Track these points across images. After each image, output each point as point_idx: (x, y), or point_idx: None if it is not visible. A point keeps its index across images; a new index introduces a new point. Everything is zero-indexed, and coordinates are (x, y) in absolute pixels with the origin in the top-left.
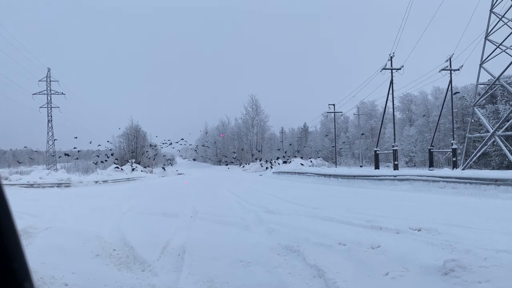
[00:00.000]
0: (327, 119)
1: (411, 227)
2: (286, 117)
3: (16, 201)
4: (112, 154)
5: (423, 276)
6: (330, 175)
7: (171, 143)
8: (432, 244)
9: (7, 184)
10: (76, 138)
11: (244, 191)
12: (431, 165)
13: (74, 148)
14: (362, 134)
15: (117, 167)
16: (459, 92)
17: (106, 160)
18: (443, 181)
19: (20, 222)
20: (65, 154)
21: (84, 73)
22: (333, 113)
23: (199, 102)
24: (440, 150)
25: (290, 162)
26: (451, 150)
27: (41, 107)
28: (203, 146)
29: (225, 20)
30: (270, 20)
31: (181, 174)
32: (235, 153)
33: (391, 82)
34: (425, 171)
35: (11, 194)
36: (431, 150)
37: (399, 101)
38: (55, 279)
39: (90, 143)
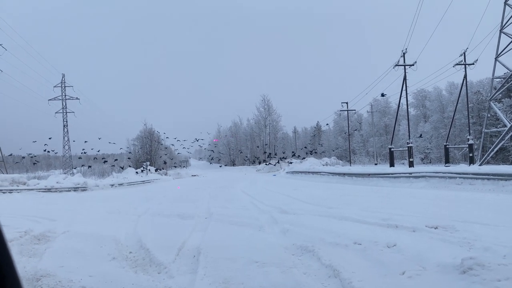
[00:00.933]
0: (340, 118)
1: (427, 225)
2: (298, 116)
3: (34, 205)
4: (129, 158)
5: (441, 275)
6: (344, 174)
7: (184, 144)
8: (449, 242)
9: (25, 189)
10: (100, 139)
11: (257, 192)
12: (447, 161)
13: (84, 152)
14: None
15: (142, 169)
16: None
17: (122, 167)
18: (459, 178)
19: (38, 226)
20: (94, 158)
21: (97, 77)
22: (346, 111)
23: (211, 104)
24: (456, 146)
25: (304, 161)
26: (467, 145)
27: (56, 113)
28: (215, 147)
29: (235, 20)
30: (281, 19)
31: (195, 176)
32: (247, 157)
33: (404, 79)
34: (441, 168)
35: (29, 199)
36: (447, 146)
37: (413, 97)
38: (73, 282)
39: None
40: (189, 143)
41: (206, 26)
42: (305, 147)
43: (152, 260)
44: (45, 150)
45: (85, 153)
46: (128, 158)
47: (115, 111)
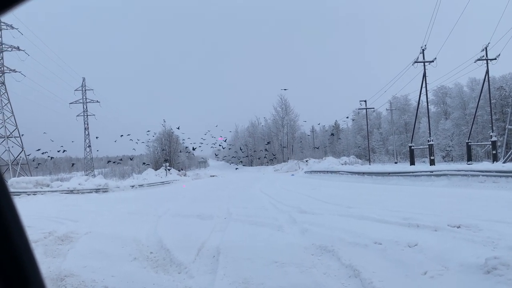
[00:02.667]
0: (359, 116)
1: (450, 224)
2: (316, 116)
3: (57, 207)
4: (144, 163)
5: (464, 275)
6: (363, 173)
7: (201, 143)
8: (472, 241)
9: (49, 191)
10: (129, 136)
11: (276, 192)
12: (469, 159)
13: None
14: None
15: (169, 169)
16: None
17: (145, 163)
18: (482, 176)
19: (62, 227)
20: (108, 161)
21: (115, 81)
22: (364, 110)
23: (228, 104)
24: (478, 143)
25: (322, 161)
26: (490, 143)
27: (77, 116)
28: (232, 146)
29: (253, 20)
30: (297, 18)
31: (214, 176)
32: (265, 157)
33: (424, 75)
34: (463, 166)
35: (53, 201)
36: (469, 143)
37: (433, 94)
38: (95, 282)
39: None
40: (207, 143)
41: (223, 26)
42: (323, 145)
43: (172, 260)
44: (58, 151)
45: (97, 151)
46: (143, 163)
47: (133, 113)
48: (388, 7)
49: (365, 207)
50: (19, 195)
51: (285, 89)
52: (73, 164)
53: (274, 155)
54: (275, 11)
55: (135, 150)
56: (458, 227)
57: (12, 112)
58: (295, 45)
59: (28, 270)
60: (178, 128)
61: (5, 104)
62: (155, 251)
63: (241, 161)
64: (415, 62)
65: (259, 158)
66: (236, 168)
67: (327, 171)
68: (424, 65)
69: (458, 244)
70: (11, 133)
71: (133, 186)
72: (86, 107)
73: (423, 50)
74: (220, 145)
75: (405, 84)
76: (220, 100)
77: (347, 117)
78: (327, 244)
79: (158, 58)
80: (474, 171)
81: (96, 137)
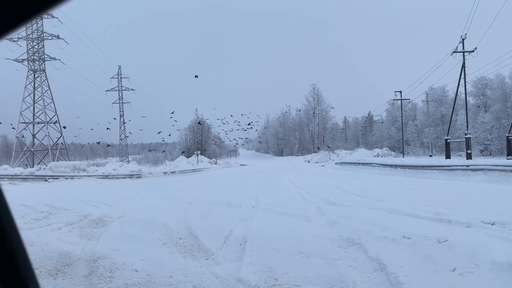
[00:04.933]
0: (394, 107)
1: (483, 220)
2: (349, 106)
3: (93, 191)
4: (183, 152)
5: (494, 273)
6: (396, 166)
7: (232, 133)
8: (507, 239)
9: (85, 176)
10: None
11: (305, 182)
12: (509, 153)
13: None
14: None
15: (204, 157)
16: None
17: (183, 152)
18: None
19: (96, 211)
20: (149, 150)
21: (150, 70)
22: (399, 101)
23: (260, 94)
24: None
25: (354, 152)
26: None
27: (113, 103)
28: (262, 135)
29: (288, 12)
30: (333, 10)
31: (243, 165)
32: (296, 147)
33: (463, 66)
34: (502, 161)
35: (89, 185)
36: (510, 137)
37: (472, 85)
38: (126, 265)
39: (159, 133)
40: (239, 130)
41: (256, 19)
42: (356, 136)
43: (200, 247)
44: (98, 143)
45: (130, 133)
46: (182, 152)
47: (167, 102)
48: None
49: (396, 200)
50: (58, 178)
51: (196, 76)
52: (108, 145)
53: (305, 148)
54: (311, 5)
55: (167, 138)
56: (493, 224)
57: (52, 99)
58: (331, 38)
59: (22, 270)
60: (218, 120)
61: (46, 91)
62: (184, 237)
63: (271, 151)
64: (454, 52)
65: (289, 148)
66: (265, 156)
67: (359, 163)
68: (464, 55)
69: (491, 242)
70: (50, 119)
71: (165, 173)
72: (122, 94)
73: (463, 39)
74: (246, 138)
75: (442, 75)
76: (253, 91)
77: (379, 115)
78: (354, 236)
79: (197, 52)
80: None
81: (143, 116)
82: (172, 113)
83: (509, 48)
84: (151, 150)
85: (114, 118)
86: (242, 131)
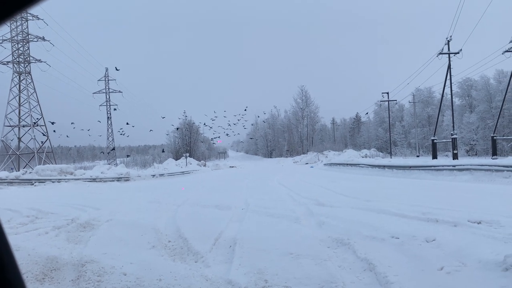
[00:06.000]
0: (381, 108)
1: (470, 219)
2: (337, 108)
3: (80, 194)
4: (163, 151)
5: (481, 272)
6: (384, 166)
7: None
8: (493, 237)
9: (72, 179)
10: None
11: (294, 184)
12: (494, 153)
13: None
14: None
15: (193, 159)
16: None
17: (164, 151)
18: (507, 171)
19: (84, 214)
20: (127, 156)
21: (137, 71)
22: (387, 102)
23: (249, 95)
24: (504, 137)
25: (342, 153)
26: None
27: (100, 105)
28: (252, 138)
29: (272, 13)
30: (318, 11)
31: (233, 167)
32: (285, 149)
33: (449, 67)
34: (487, 160)
35: (76, 189)
36: (494, 137)
37: (458, 86)
38: (114, 269)
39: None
40: (230, 130)
41: (241, 19)
42: (344, 137)
43: (189, 249)
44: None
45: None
46: (163, 150)
47: (155, 104)
48: None
49: (384, 200)
50: (44, 182)
51: (117, 69)
52: (102, 152)
53: (294, 149)
54: (295, 6)
55: (156, 140)
56: (479, 223)
57: (38, 101)
58: (317, 39)
59: (10, 274)
60: (206, 125)
61: (31, 94)
62: (173, 240)
63: (261, 152)
64: (440, 53)
65: (278, 150)
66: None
67: (347, 164)
68: (449, 57)
69: (478, 240)
70: (36, 122)
71: (154, 176)
72: (109, 97)
73: (448, 41)
74: (236, 134)
75: (428, 76)
76: (241, 93)
77: (366, 113)
78: (343, 237)
79: (182, 54)
80: (498, 166)
81: (127, 123)
82: (163, 117)
83: (493, 50)
84: (129, 156)
85: (99, 121)
86: (230, 129)
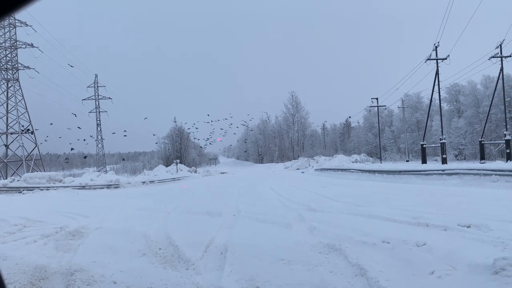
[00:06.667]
0: (370, 114)
1: (460, 223)
2: (327, 113)
3: (69, 202)
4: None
5: (471, 275)
6: (374, 171)
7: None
8: (482, 241)
9: (61, 186)
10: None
11: (286, 189)
12: (482, 158)
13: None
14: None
15: (183, 165)
16: None
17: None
18: (495, 175)
19: (73, 222)
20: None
21: (127, 78)
22: (376, 107)
23: (239, 101)
24: (492, 141)
25: (333, 158)
26: (504, 141)
27: (90, 112)
28: (245, 142)
29: (263, 17)
30: (308, 18)
31: (224, 173)
32: (275, 154)
33: (437, 73)
34: (475, 165)
35: (65, 196)
36: (482, 142)
37: (446, 92)
38: (104, 277)
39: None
40: (219, 136)
41: (232, 24)
42: (334, 143)
43: (180, 257)
44: (72, 149)
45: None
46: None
47: (145, 110)
48: (401, 4)
49: (374, 205)
50: (33, 190)
51: (71, 65)
52: (85, 157)
53: (285, 155)
54: (286, 11)
55: (146, 146)
56: (468, 226)
57: (26, 108)
58: (308, 44)
59: None
60: (197, 129)
61: (19, 101)
62: (164, 247)
63: (252, 158)
64: (428, 59)
65: (269, 155)
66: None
67: (338, 169)
68: (437, 62)
69: (467, 244)
70: (25, 129)
71: (144, 182)
72: (98, 103)
73: (436, 47)
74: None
75: (417, 81)
76: (231, 98)
77: (357, 122)
78: (334, 242)
79: (173, 61)
80: (486, 170)
81: (124, 132)
82: (145, 118)
83: (480, 55)
84: (124, 159)
85: (79, 127)
86: (223, 133)
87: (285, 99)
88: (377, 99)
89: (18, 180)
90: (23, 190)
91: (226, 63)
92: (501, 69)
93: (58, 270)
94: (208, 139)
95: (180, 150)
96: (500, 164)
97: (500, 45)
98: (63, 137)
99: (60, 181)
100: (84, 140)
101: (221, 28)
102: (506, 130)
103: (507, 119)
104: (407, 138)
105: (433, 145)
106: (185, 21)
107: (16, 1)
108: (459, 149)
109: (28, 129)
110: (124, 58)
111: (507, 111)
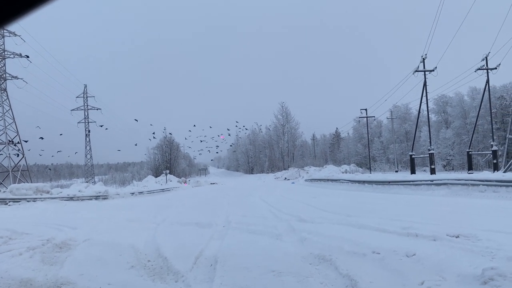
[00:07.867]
0: (360, 124)
1: (448, 233)
2: (317, 124)
3: (57, 214)
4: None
5: (461, 285)
6: (364, 182)
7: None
8: (471, 251)
9: (48, 198)
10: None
11: (276, 200)
12: (470, 168)
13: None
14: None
15: (173, 176)
16: None
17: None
18: (483, 185)
19: (60, 234)
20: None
21: (116, 88)
22: (365, 118)
23: (229, 112)
24: (479, 152)
25: (323, 169)
26: (491, 152)
27: (79, 122)
28: (234, 152)
29: (253, 27)
30: (298, 25)
31: (214, 183)
32: (265, 165)
33: (425, 84)
34: (463, 175)
35: (52, 208)
36: (470, 152)
37: (434, 103)
38: None
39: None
40: (210, 146)
41: (222, 32)
42: (324, 153)
43: (169, 269)
44: (59, 151)
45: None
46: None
47: (133, 120)
48: (391, 18)
49: (364, 216)
50: (19, 201)
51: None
52: (72, 165)
53: (275, 165)
54: (275, 22)
55: (136, 157)
56: (457, 236)
57: (14, 119)
58: (297, 55)
59: None
60: (186, 139)
61: (7, 111)
62: (153, 259)
63: (242, 168)
64: (416, 71)
65: (259, 166)
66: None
67: (328, 180)
68: (425, 74)
69: (456, 254)
70: (11, 140)
71: (133, 193)
72: (88, 114)
73: (423, 59)
74: (217, 146)
75: (405, 93)
76: (222, 108)
77: (346, 133)
78: (325, 253)
79: (162, 70)
80: (474, 180)
81: (118, 150)
82: (136, 120)
83: (467, 67)
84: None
85: (61, 134)
86: (214, 144)
87: (275, 110)
88: (366, 110)
89: (4, 192)
90: (9, 201)
91: (213, 74)
92: (487, 81)
93: (45, 283)
94: (201, 150)
95: (169, 161)
96: (487, 174)
97: (486, 58)
98: (52, 147)
99: (48, 192)
100: (76, 153)
101: (209, 38)
102: (493, 141)
103: (494, 130)
104: (396, 148)
105: (421, 156)
106: (168, 27)
107: (8, 14)
108: (447, 159)
109: (12, 141)
110: (114, 69)
111: (493, 122)
